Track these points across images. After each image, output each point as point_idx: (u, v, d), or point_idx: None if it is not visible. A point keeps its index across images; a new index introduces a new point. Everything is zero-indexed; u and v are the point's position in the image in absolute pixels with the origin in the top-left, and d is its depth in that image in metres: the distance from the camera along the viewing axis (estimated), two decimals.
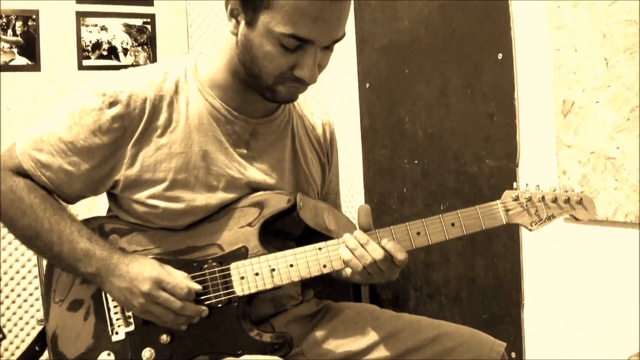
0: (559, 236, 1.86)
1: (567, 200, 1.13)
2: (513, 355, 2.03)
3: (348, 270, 1.18)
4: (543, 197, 1.13)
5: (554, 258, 1.90)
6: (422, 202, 2.46)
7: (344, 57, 2.85)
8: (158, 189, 1.11)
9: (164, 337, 1.10)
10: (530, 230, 1.14)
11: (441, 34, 2.27)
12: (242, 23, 1.04)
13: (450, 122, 2.25)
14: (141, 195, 1.11)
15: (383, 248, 1.08)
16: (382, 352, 1.20)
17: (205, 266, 1.12)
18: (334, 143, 1.38)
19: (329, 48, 1.07)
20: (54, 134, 1.10)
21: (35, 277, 2.36)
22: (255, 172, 1.17)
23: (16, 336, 2.32)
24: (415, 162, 2.46)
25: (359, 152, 2.86)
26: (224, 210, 1.14)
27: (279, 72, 1.05)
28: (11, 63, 2.41)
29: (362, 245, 1.08)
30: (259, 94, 1.12)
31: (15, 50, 2.42)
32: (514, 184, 1.16)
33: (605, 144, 1.68)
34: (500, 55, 2.00)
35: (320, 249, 1.12)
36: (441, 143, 2.32)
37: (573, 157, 1.78)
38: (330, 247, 1.11)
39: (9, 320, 2.32)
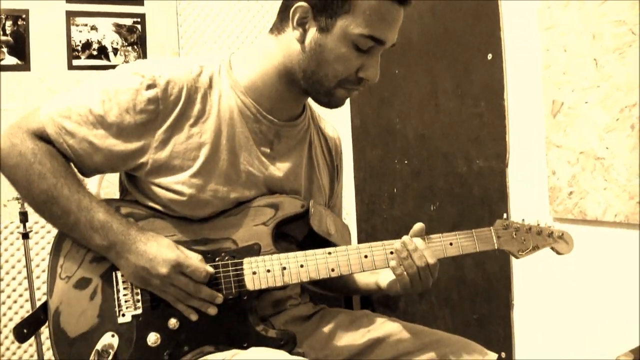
0: None
1: (551, 234, 1.24)
2: (503, 355, 2.03)
3: (383, 283, 1.26)
4: (530, 228, 1.23)
5: (543, 258, 1.90)
6: (413, 203, 2.46)
7: None
8: (185, 175, 1.13)
9: (173, 322, 1.11)
10: (518, 257, 1.22)
11: (432, 35, 2.28)
12: (313, 30, 1.11)
13: (441, 122, 2.26)
14: (167, 180, 1.13)
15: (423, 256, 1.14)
16: (380, 354, 1.23)
17: (218, 259, 1.14)
18: (341, 157, 1.43)
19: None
20: (84, 105, 1.11)
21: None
22: (274, 172, 1.21)
23: None
24: (406, 162, 2.46)
25: (350, 153, 2.85)
26: (240, 207, 1.18)
27: (347, 73, 1.13)
28: (1, 63, 2.40)
29: (409, 252, 1.14)
30: (312, 98, 1.20)
31: (5, 49, 2.41)
32: (504, 214, 1.23)
33: (594, 144, 1.69)
34: (490, 56, 2.01)
35: (329, 253, 1.16)
36: (431, 143, 2.32)
37: (563, 157, 1.78)
38: (339, 253, 1.16)
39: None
